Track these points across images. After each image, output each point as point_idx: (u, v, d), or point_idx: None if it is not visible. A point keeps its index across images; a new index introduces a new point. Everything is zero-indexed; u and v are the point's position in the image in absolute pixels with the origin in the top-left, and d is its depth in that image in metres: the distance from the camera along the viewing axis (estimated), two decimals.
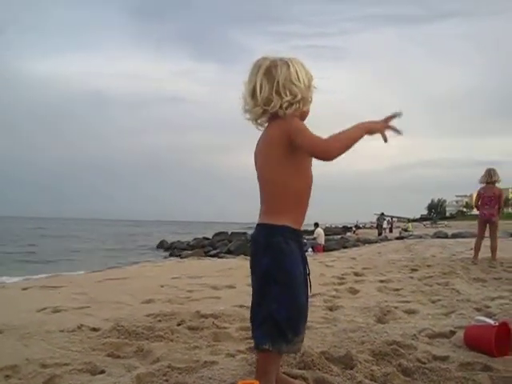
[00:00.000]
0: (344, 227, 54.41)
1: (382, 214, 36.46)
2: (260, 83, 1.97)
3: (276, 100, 1.95)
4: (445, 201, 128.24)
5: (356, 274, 6.80)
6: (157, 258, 20.32)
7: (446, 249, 13.16)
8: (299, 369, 2.37)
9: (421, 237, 26.27)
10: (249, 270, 2.06)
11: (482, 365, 2.44)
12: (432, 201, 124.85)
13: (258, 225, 2.04)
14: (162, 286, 5.56)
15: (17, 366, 2.42)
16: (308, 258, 2.13)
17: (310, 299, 2.05)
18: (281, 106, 1.96)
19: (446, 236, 26.24)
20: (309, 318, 2.06)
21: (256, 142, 2.17)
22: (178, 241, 31.29)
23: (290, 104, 1.97)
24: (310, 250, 16.56)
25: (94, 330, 3.18)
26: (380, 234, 32.90)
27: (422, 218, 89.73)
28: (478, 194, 8.83)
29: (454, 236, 25.40)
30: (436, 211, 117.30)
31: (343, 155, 1.90)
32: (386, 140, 1.99)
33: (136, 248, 30.27)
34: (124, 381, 2.22)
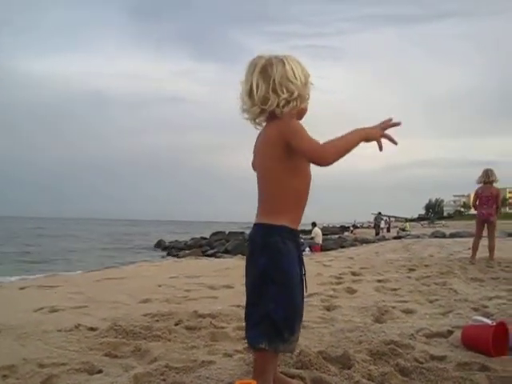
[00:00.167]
0: (342, 227, 54.46)
1: (380, 213, 36.47)
2: (256, 82, 1.97)
3: (273, 98, 1.94)
4: (442, 200, 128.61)
5: (354, 274, 6.81)
6: (154, 258, 20.30)
7: (444, 248, 13.20)
8: (297, 368, 2.37)
9: (418, 236, 26.35)
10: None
11: (479, 365, 2.44)
12: (430, 200, 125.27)
13: (255, 224, 2.03)
14: (159, 286, 5.56)
15: (14, 366, 2.41)
16: (305, 257, 2.13)
17: (307, 299, 2.06)
18: (278, 105, 1.95)
19: (443, 236, 26.30)
20: (306, 318, 2.07)
21: (254, 142, 2.17)
22: (176, 240, 31.26)
23: (287, 102, 1.96)
24: (308, 249, 16.55)
25: (92, 329, 3.18)
26: (377, 233, 32.91)
27: (420, 218, 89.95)
28: (475, 194, 8.84)
29: (452, 236, 25.47)
30: (434, 211, 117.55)
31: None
32: (381, 148, 1.99)
33: (133, 247, 30.22)
34: (121, 380, 2.22)
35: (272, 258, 1.91)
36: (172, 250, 26.06)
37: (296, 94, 1.97)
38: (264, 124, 2.08)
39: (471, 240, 9.53)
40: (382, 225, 38.68)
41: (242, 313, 3.52)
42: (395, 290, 5.19)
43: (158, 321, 3.43)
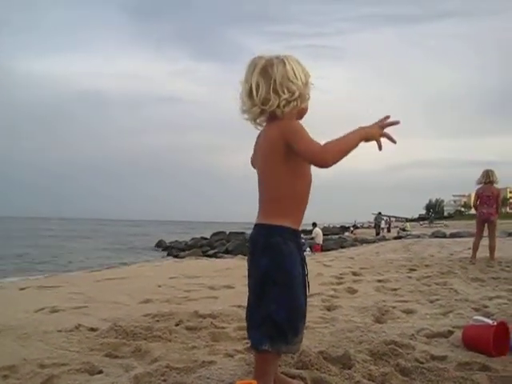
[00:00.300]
0: (342, 227, 54.40)
1: (380, 213, 36.44)
2: (257, 83, 1.96)
3: (274, 99, 1.94)
4: (443, 201, 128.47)
5: (354, 274, 6.81)
6: (155, 258, 20.30)
7: (444, 248, 13.20)
8: (297, 368, 2.37)
9: (419, 236, 26.33)
10: (246, 270, 2.05)
11: (480, 364, 2.44)
12: (430, 201, 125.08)
13: (256, 225, 2.03)
14: (159, 286, 5.56)
15: (14, 367, 2.41)
16: (306, 257, 2.13)
17: (308, 299, 2.05)
18: (278, 105, 1.94)
19: (444, 236, 26.28)
20: (307, 318, 2.06)
21: (255, 143, 2.16)
22: (176, 241, 31.25)
23: (288, 102, 1.95)
24: (308, 249, 16.56)
25: (92, 330, 3.18)
26: (378, 233, 32.87)
27: (420, 218, 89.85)
28: (476, 194, 8.84)
29: (452, 236, 25.44)
30: (434, 211, 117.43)
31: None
32: (380, 148, 1.99)
33: (134, 248, 30.22)
34: (122, 381, 2.22)
35: (274, 259, 1.91)
36: (172, 250, 26.06)
37: (297, 94, 1.96)
38: (264, 124, 2.08)
39: (471, 240, 9.53)
40: (383, 225, 38.65)
41: (242, 313, 3.52)
42: (396, 290, 5.19)
43: (158, 321, 3.43)
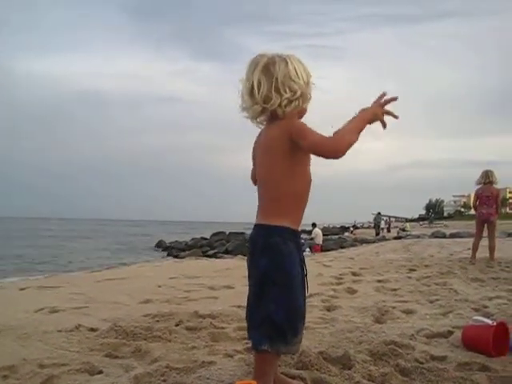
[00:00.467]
0: (342, 227, 54.40)
1: (379, 213, 36.41)
2: (258, 81, 1.95)
3: (275, 97, 1.93)
4: (443, 201, 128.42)
5: (354, 274, 6.81)
6: (155, 258, 20.29)
7: (444, 249, 13.20)
8: (297, 369, 2.37)
9: (419, 237, 26.33)
10: (246, 270, 2.05)
11: (479, 365, 2.44)
12: (430, 201, 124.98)
13: (255, 225, 2.03)
14: (159, 286, 5.56)
15: (14, 367, 2.41)
16: (306, 257, 2.13)
17: (307, 299, 2.05)
18: (280, 104, 1.94)
19: (443, 236, 26.28)
20: (306, 319, 2.06)
21: (255, 141, 2.16)
22: (176, 241, 31.24)
23: (290, 101, 1.95)
24: (308, 249, 16.56)
25: (92, 330, 3.18)
26: (378, 233, 32.85)
27: (420, 218, 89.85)
28: (475, 195, 8.83)
29: (452, 236, 25.44)
30: (434, 211, 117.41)
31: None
32: (385, 126, 1.99)
33: (134, 248, 30.20)
34: (122, 381, 2.22)
35: (273, 259, 1.91)
36: (172, 250, 26.06)
37: (299, 93, 1.96)
38: (264, 123, 2.07)
39: (471, 240, 9.53)
40: (382, 225, 38.65)
41: (242, 313, 3.53)
42: (395, 290, 5.19)
43: (158, 321, 3.43)
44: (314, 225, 19.94)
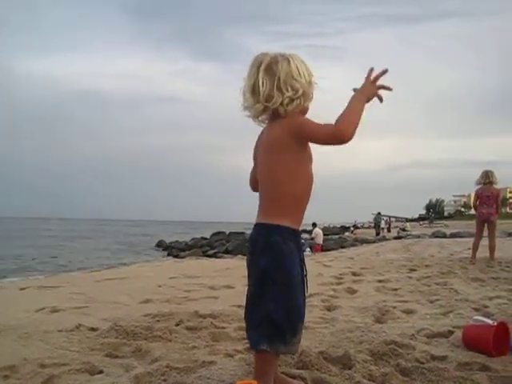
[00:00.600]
0: (342, 227, 54.36)
1: (379, 213, 36.38)
2: (261, 79, 1.95)
3: (277, 96, 1.93)
4: (443, 201, 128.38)
5: (354, 274, 6.81)
6: (155, 258, 20.29)
7: (444, 248, 13.20)
8: (297, 369, 2.37)
9: (419, 236, 26.32)
10: (246, 269, 2.05)
11: (480, 364, 2.44)
12: (430, 201, 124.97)
13: (256, 224, 2.02)
14: (159, 286, 5.56)
15: (15, 366, 2.41)
16: (306, 257, 2.13)
17: (307, 299, 2.05)
18: (282, 103, 1.94)
19: (444, 236, 26.27)
20: (307, 318, 2.06)
21: (256, 140, 2.16)
22: (176, 241, 31.21)
23: (292, 100, 1.95)
24: (308, 249, 16.56)
25: (93, 329, 3.18)
26: (378, 233, 32.82)
27: (420, 218, 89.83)
28: (475, 194, 8.83)
29: (452, 236, 25.44)
30: (434, 211, 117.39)
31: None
32: (381, 100, 2.02)
33: (134, 248, 30.18)
34: (122, 381, 2.22)
35: (273, 259, 1.90)
36: (172, 250, 26.04)
37: (301, 92, 1.96)
38: (266, 122, 2.07)
39: (472, 240, 9.53)
40: (383, 225, 38.62)
41: (242, 313, 3.51)
42: (396, 290, 5.19)
43: (158, 321, 3.43)
44: (314, 225, 19.94)
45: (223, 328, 3.28)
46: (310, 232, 19.27)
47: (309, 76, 2.01)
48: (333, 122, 1.88)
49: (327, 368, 2.37)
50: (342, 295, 4.93)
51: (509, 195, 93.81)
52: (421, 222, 68.33)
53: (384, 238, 27.44)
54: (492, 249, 8.52)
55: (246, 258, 2.08)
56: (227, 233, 33.27)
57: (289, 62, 1.97)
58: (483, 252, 8.65)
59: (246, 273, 2.05)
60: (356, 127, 1.88)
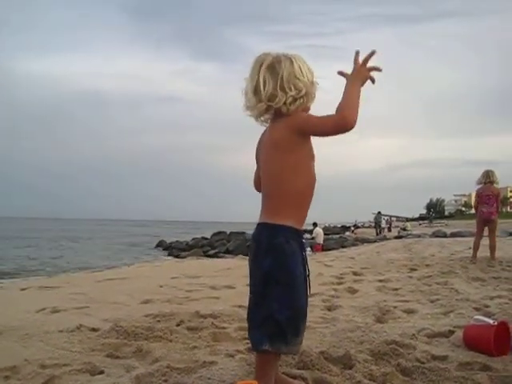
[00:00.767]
0: (343, 227, 54.35)
1: (379, 212, 36.37)
2: (264, 79, 1.95)
3: (280, 95, 1.93)
4: (443, 200, 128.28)
5: (355, 274, 6.81)
6: (155, 258, 20.30)
7: (445, 248, 13.18)
8: (298, 369, 2.37)
9: (419, 236, 26.30)
10: (248, 269, 2.05)
11: (481, 364, 2.44)
12: (431, 200, 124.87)
13: (258, 224, 2.02)
14: (160, 286, 5.56)
15: (16, 367, 2.41)
16: (307, 257, 2.13)
17: (308, 299, 2.04)
18: (285, 102, 1.94)
19: (444, 235, 26.24)
20: (307, 318, 2.06)
21: (258, 140, 2.15)
22: (177, 241, 31.20)
23: (294, 99, 1.95)
24: (309, 249, 16.55)
25: (93, 330, 3.18)
26: (378, 233, 32.79)
27: (421, 218, 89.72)
28: (476, 194, 8.84)
29: (453, 235, 25.41)
30: (435, 210, 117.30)
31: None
32: (374, 81, 2.02)
33: (134, 248, 30.19)
34: (123, 381, 2.22)
35: (277, 259, 1.90)
36: (173, 250, 26.04)
37: (303, 91, 1.96)
38: (268, 122, 2.07)
39: (472, 239, 9.52)
40: (384, 224, 38.61)
41: (243, 313, 3.53)
42: (396, 289, 5.19)
43: (159, 321, 3.43)
44: (315, 224, 19.93)
45: (224, 328, 3.28)
46: (310, 232, 19.26)
47: (311, 76, 2.01)
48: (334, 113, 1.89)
49: (328, 368, 2.37)
50: (343, 295, 4.93)
51: (509, 194, 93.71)
52: (420, 222, 68.16)
53: (385, 238, 27.44)
54: (493, 248, 8.51)
55: (248, 257, 2.08)
56: (228, 233, 33.24)
57: (291, 61, 1.97)
58: (484, 251, 8.65)
59: (247, 273, 2.05)
60: (357, 112, 1.88)
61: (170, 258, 21.23)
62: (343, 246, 21.54)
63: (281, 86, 1.94)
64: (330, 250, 18.49)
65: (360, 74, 1.98)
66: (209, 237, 31.93)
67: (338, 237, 31.41)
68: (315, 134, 1.96)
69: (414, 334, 3.04)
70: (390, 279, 6.05)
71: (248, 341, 2.78)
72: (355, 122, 1.86)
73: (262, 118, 2.07)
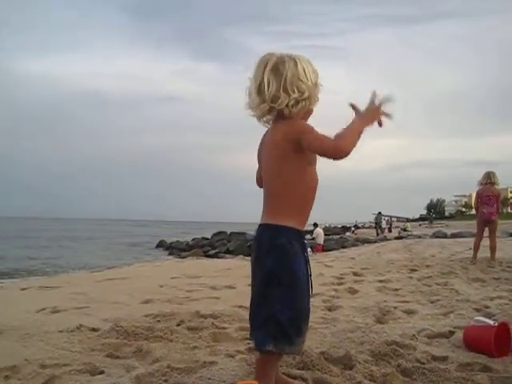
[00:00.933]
0: (343, 227, 54.33)
1: (380, 213, 36.37)
2: (267, 80, 1.94)
3: (283, 97, 1.92)
4: (444, 201, 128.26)
5: (355, 274, 6.80)
6: (156, 258, 20.29)
7: (445, 249, 13.17)
8: (298, 369, 2.37)
9: (420, 237, 26.28)
10: (248, 269, 2.05)
11: (481, 365, 2.44)
12: (431, 201, 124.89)
13: (260, 225, 2.02)
14: (161, 286, 5.56)
15: (16, 367, 2.41)
16: (309, 258, 2.13)
17: (310, 300, 2.04)
18: (287, 104, 1.93)
19: (445, 236, 26.23)
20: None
21: (260, 141, 2.15)
22: (177, 241, 31.23)
23: (297, 102, 1.94)
24: (310, 249, 16.54)
25: (94, 330, 3.17)
26: (378, 234, 32.77)
27: (421, 218, 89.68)
28: (476, 195, 8.85)
29: (453, 236, 25.39)
30: (435, 211, 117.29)
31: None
32: (381, 125, 2.01)
33: (135, 248, 30.21)
34: (123, 381, 2.22)
35: (279, 259, 1.91)
36: (173, 250, 26.06)
37: (306, 94, 1.95)
38: (270, 122, 2.06)
39: (472, 240, 9.52)
40: (384, 225, 38.58)
41: (243, 313, 3.54)
42: (397, 290, 5.18)
43: (159, 321, 3.43)
44: (315, 225, 19.93)
45: (224, 328, 3.28)
46: (311, 232, 19.26)
47: (315, 77, 2.00)
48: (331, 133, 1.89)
49: (328, 368, 2.37)
50: (343, 295, 4.92)
51: (510, 195, 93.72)
52: (420, 223, 68.04)
53: (385, 238, 27.42)
54: (493, 249, 8.51)
55: (250, 258, 2.08)
56: (228, 233, 33.23)
57: (295, 62, 1.96)
58: (484, 252, 8.64)
59: (247, 273, 2.05)
60: (353, 147, 1.88)
61: (170, 257, 21.22)
62: (343, 247, 21.54)
63: (284, 87, 1.93)
64: (330, 250, 18.49)
65: (372, 116, 1.97)
66: (209, 237, 31.95)
67: (339, 237, 31.40)
68: (308, 150, 1.93)
69: (414, 335, 3.04)
70: (390, 280, 6.04)
71: (248, 341, 2.79)
72: (347, 155, 1.87)
73: (265, 119, 2.06)
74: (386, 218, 46.49)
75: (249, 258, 2.20)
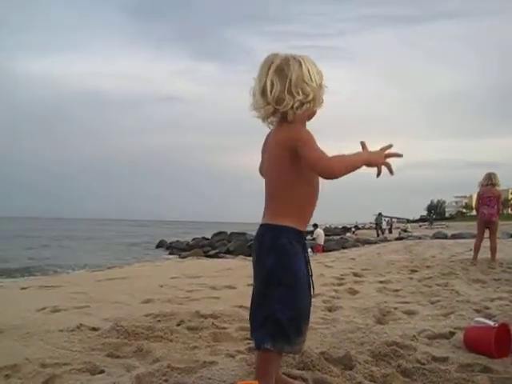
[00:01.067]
0: (343, 228, 54.33)
1: (380, 213, 36.37)
2: (271, 81, 1.92)
3: (288, 99, 1.91)
4: (444, 202, 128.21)
5: (355, 275, 6.80)
6: (156, 258, 20.29)
7: (446, 250, 13.16)
8: (299, 369, 2.37)
9: (420, 237, 26.28)
10: (248, 270, 2.05)
11: (481, 366, 2.45)
12: (432, 202, 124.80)
13: (261, 225, 2.02)
14: (161, 286, 5.56)
15: (16, 366, 2.41)
16: (309, 258, 2.13)
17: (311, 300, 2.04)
18: (292, 106, 1.92)
19: (445, 237, 26.21)
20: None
21: (264, 140, 2.15)
22: (177, 241, 31.21)
23: (301, 104, 1.93)
24: (310, 250, 16.54)
25: (94, 329, 3.18)
26: (378, 234, 32.75)
27: (421, 219, 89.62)
28: (477, 196, 8.86)
29: (454, 237, 25.37)
30: (435, 212, 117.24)
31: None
32: (379, 175, 1.97)
33: (135, 248, 30.21)
34: (123, 381, 2.22)
35: (279, 260, 1.91)
36: (174, 250, 26.06)
37: (311, 96, 1.94)
38: (274, 124, 2.05)
39: (473, 241, 9.52)
40: (384, 225, 38.56)
41: (244, 313, 3.54)
42: (397, 291, 5.18)
43: (159, 321, 3.43)
44: (315, 225, 19.94)
45: (224, 328, 3.28)
46: (311, 233, 19.26)
47: (320, 79, 1.98)
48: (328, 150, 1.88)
49: (328, 369, 2.37)
50: (344, 296, 4.92)
51: (510, 196, 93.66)
52: (421, 224, 67.94)
53: (385, 239, 27.43)
54: (493, 250, 8.51)
55: (252, 258, 2.08)
56: (229, 233, 33.21)
57: (300, 64, 1.94)
58: (484, 253, 8.63)
59: (247, 273, 2.06)
60: (346, 173, 1.87)
61: (171, 257, 21.22)
62: (344, 247, 21.53)
63: (288, 89, 1.91)
64: (330, 250, 18.48)
65: (375, 160, 1.94)
66: (209, 237, 31.93)
67: (339, 238, 31.39)
68: (301, 159, 1.91)
69: (414, 336, 3.04)
70: (390, 280, 6.04)
71: (249, 341, 2.79)
72: (336, 178, 1.86)
73: (269, 120, 2.04)
74: (387, 219, 46.51)
75: (249, 258, 2.20)
